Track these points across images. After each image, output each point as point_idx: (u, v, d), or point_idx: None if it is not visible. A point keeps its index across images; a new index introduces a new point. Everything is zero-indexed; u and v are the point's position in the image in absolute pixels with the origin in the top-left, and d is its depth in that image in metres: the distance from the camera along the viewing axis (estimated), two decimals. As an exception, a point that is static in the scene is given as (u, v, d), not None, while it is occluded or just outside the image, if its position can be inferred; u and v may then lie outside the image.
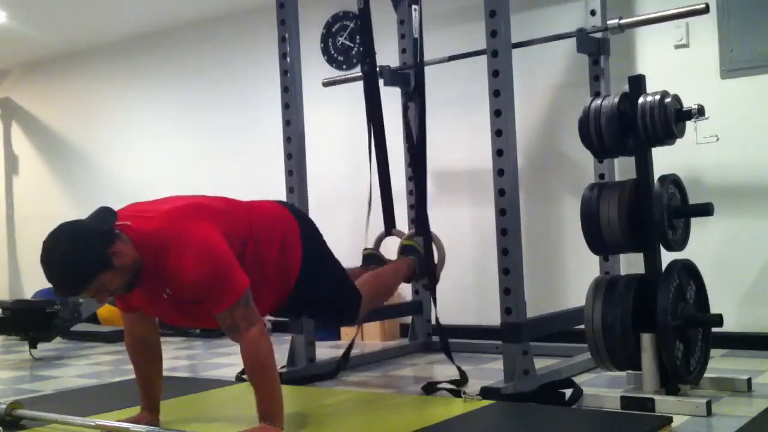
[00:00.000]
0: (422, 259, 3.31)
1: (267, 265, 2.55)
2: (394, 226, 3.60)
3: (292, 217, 2.75)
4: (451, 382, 3.12)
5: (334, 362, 3.73)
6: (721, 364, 3.47)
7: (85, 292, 2.18)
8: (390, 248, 3.54)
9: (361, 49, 3.74)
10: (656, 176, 2.92)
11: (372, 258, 3.40)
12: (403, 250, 3.39)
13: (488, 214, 3.39)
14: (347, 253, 3.28)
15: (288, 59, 3.81)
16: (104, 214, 2.23)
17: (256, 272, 2.45)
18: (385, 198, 3.57)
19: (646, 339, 2.78)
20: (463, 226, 4.64)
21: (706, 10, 3.38)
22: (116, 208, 2.38)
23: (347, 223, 4.83)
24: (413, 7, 3.51)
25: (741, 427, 2.42)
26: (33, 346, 4.76)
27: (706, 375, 2.93)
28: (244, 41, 5.70)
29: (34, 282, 6.80)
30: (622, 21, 3.64)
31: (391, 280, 3.22)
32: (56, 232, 2.18)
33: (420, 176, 3.42)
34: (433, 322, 3.29)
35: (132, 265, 2.21)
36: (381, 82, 4.24)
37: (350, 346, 3.69)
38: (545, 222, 4.40)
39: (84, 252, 2.13)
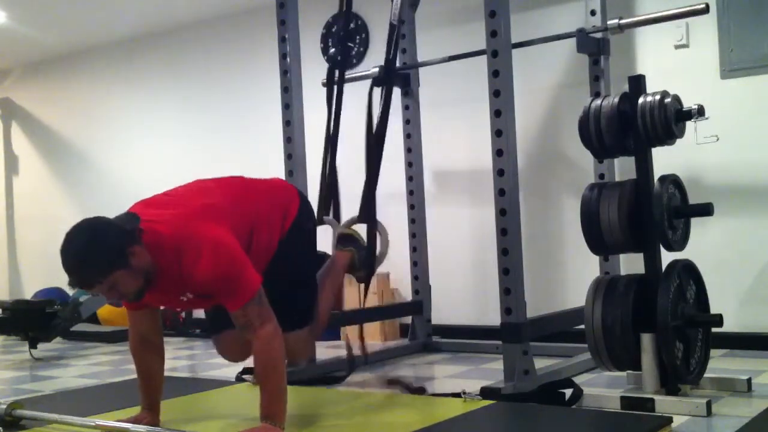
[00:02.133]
0: (362, 250, 3.03)
1: (274, 238, 2.57)
2: (328, 215, 3.35)
3: (297, 195, 2.76)
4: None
5: (331, 364, 3.72)
6: (721, 364, 3.47)
7: (98, 285, 2.19)
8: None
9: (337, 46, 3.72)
10: (656, 176, 2.92)
11: (348, 239, 3.12)
12: (340, 239, 3.06)
13: (488, 214, 3.39)
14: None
15: (288, 59, 3.81)
16: (128, 216, 2.29)
17: (264, 249, 2.49)
18: (328, 182, 3.36)
19: (646, 339, 2.78)
20: (463, 226, 4.64)
21: (706, 10, 3.38)
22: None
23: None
24: None
25: (741, 427, 2.42)
26: (33, 346, 4.76)
27: (706, 375, 2.93)
28: (244, 41, 5.70)
29: (34, 282, 6.80)
30: (622, 21, 3.64)
31: (336, 285, 2.97)
32: (80, 224, 2.22)
33: (375, 163, 3.31)
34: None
35: (147, 268, 2.24)
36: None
37: (351, 353, 3.46)
38: (545, 222, 4.40)
39: (104, 245, 2.16)
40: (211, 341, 2.91)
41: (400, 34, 3.43)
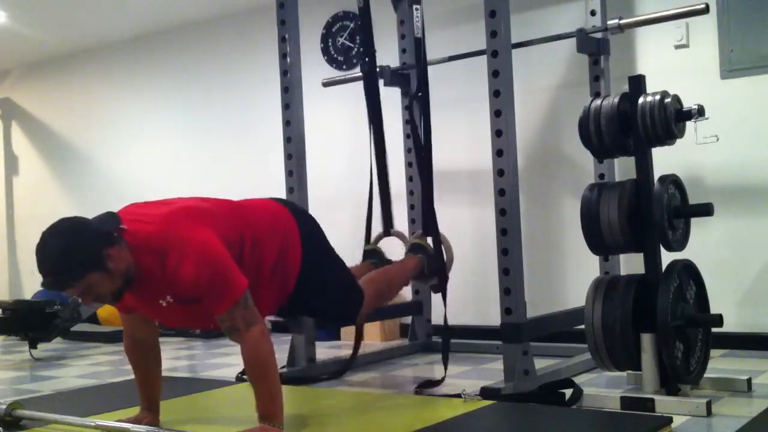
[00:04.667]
0: (431, 259, 3.28)
1: (266, 264, 2.54)
2: (393, 227, 3.60)
3: (291, 215, 2.72)
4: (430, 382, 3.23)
5: (335, 363, 3.73)
6: (721, 364, 3.47)
7: (71, 288, 2.18)
8: (387, 249, 3.52)
9: (361, 48, 3.74)
10: (656, 176, 2.92)
11: (372, 254, 3.42)
12: (412, 248, 3.36)
13: (488, 214, 3.39)
14: (348, 253, 3.27)
15: (288, 59, 3.81)
16: (107, 217, 2.27)
17: (255, 272, 2.45)
18: (384, 198, 3.56)
19: (646, 339, 2.78)
20: (463, 226, 4.64)
21: (706, 10, 3.38)
22: (115, 208, 2.39)
23: (347, 223, 4.83)
24: (414, 6, 3.50)
25: (741, 427, 2.42)
26: (33, 346, 4.76)
27: (706, 375, 2.94)
28: (244, 41, 5.70)
29: (34, 282, 6.79)
30: (622, 21, 3.64)
31: (397, 279, 3.19)
32: (56, 224, 2.21)
33: (427, 176, 3.40)
34: (442, 322, 3.27)
35: (125, 271, 2.21)
36: (381, 82, 4.25)
37: (356, 350, 3.64)
38: (545, 222, 4.40)
39: (79, 247, 2.14)
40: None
41: (425, 47, 3.45)
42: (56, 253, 2.14)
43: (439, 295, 3.32)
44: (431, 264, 3.28)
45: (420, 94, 3.42)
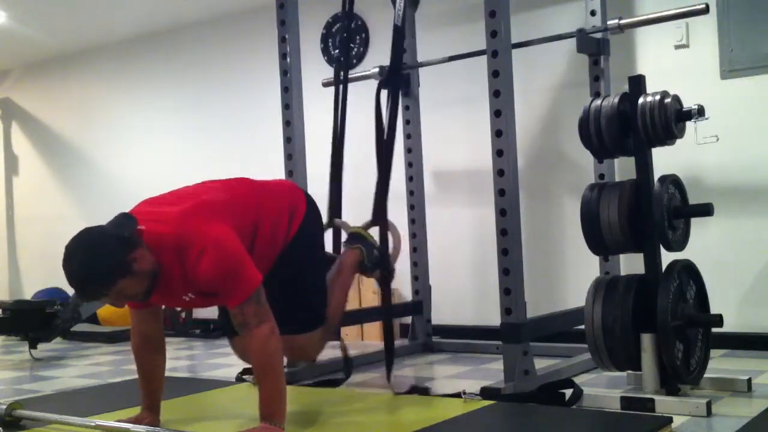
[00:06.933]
0: (370, 249, 3.01)
1: (279, 236, 2.60)
2: (339, 217, 3.38)
3: (304, 196, 2.79)
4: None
5: (330, 364, 3.72)
6: (721, 364, 3.47)
7: (105, 297, 2.22)
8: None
9: (339, 44, 3.74)
10: (656, 176, 2.92)
11: None
12: (350, 238, 3.08)
13: (488, 215, 3.39)
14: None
15: (288, 59, 3.81)
16: (124, 220, 2.27)
17: (268, 246, 2.53)
18: (335, 186, 3.40)
19: (646, 339, 2.78)
20: (462, 227, 4.64)
21: (706, 10, 3.38)
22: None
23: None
24: None
25: (741, 427, 2.42)
26: (33, 346, 4.76)
27: (706, 375, 2.93)
28: (244, 41, 5.70)
29: (34, 282, 6.80)
30: (622, 21, 3.65)
31: (343, 287, 2.93)
32: (78, 238, 2.21)
33: (385, 164, 3.26)
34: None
35: (151, 270, 2.25)
36: (380, 82, 4.25)
37: (346, 357, 3.32)
38: (545, 222, 4.40)
39: (104, 258, 2.16)
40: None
41: (404, 36, 3.41)
42: (83, 268, 2.16)
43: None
44: (370, 255, 3.00)
45: (390, 82, 3.34)
